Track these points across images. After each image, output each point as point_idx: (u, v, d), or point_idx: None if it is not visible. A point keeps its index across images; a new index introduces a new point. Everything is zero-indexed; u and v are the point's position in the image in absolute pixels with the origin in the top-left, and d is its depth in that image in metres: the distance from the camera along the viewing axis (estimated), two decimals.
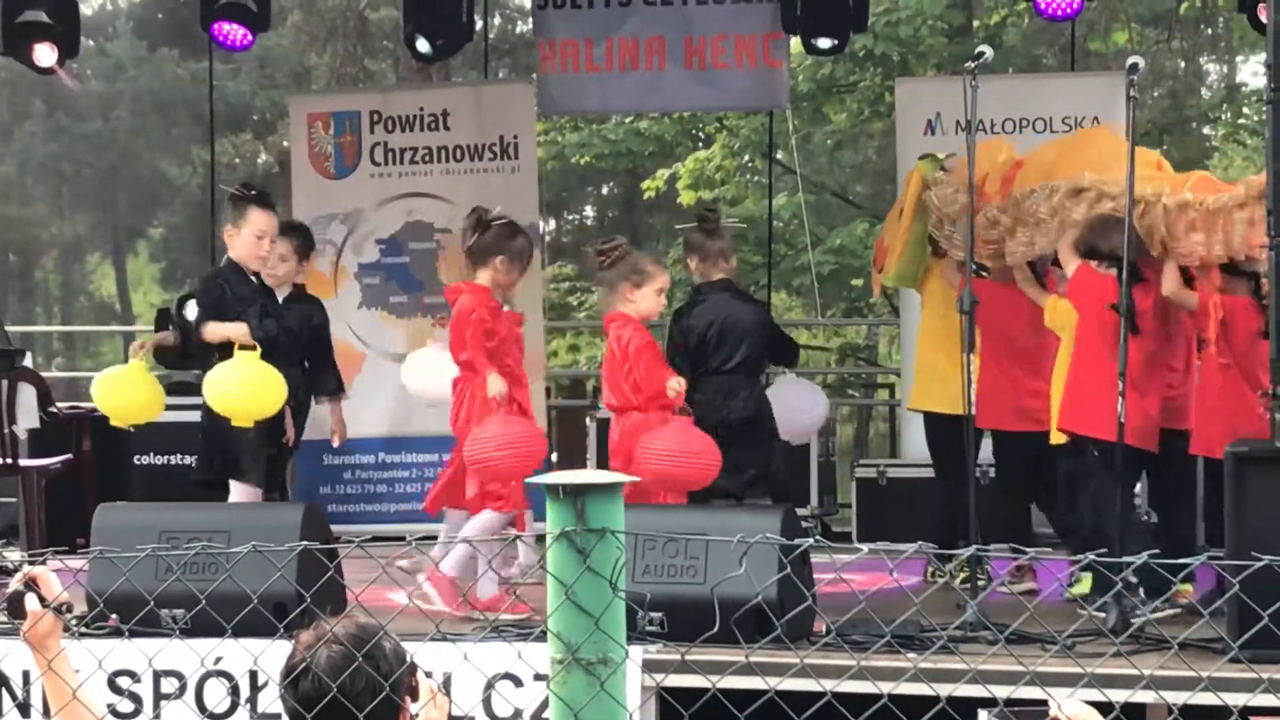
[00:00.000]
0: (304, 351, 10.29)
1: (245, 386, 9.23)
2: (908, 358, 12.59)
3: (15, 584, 4.29)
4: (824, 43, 14.16)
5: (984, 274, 9.66)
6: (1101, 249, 8.94)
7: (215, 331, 9.44)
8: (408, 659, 4.15)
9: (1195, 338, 9.13)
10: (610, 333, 9.53)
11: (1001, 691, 5.07)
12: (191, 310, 13.55)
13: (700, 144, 26.09)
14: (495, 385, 9.20)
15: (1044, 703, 3.81)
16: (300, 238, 10.72)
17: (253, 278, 9.63)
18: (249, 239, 9.54)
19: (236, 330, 9.37)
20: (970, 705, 6.24)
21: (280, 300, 10.16)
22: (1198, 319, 8.90)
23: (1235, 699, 5.96)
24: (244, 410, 9.25)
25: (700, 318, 9.88)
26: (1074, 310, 9.07)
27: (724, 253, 10.07)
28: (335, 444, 10.82)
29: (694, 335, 9.86)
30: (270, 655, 4.74)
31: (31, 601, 4.26)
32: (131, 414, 10.26)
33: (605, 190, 34.50)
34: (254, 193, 9.76)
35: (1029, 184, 9.46)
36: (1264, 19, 7.58)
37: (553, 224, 34.51)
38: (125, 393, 10.09)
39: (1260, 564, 3.59)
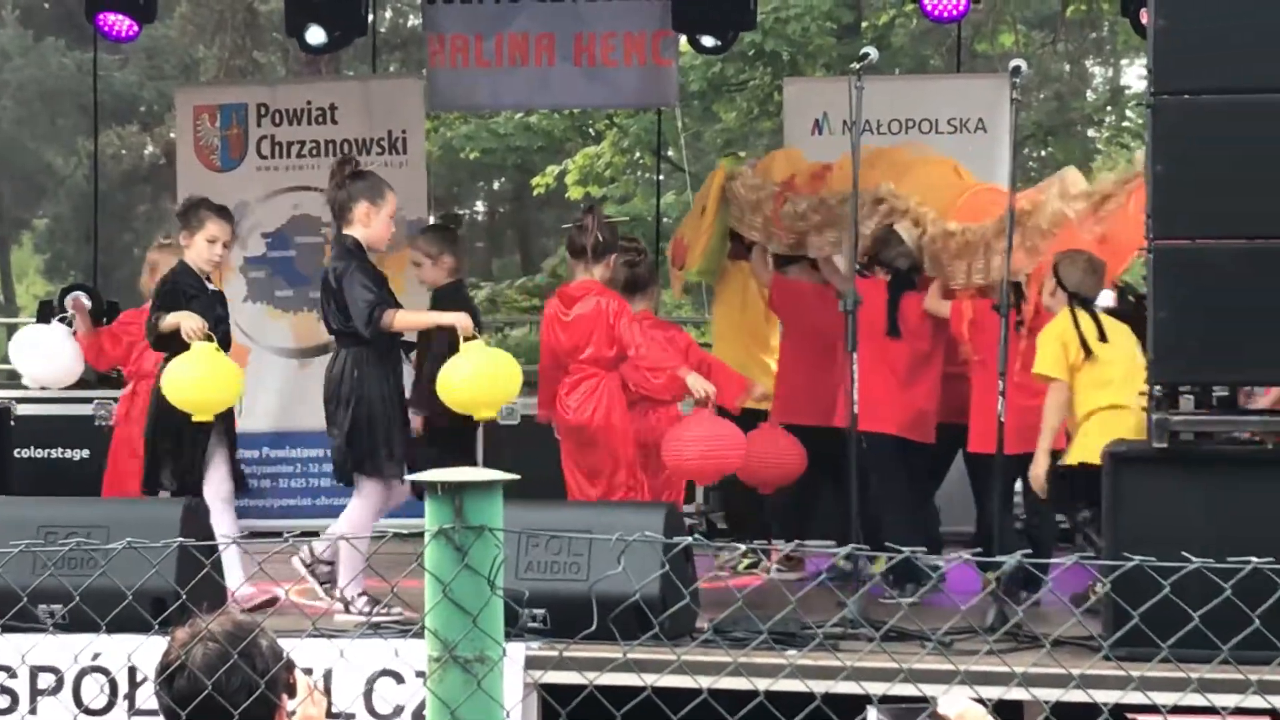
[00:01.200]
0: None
1: (484, 377, 8.61)
2: None
3: None
4: (708, 40, 14.23)
5: (867, 273, 9.77)
6: (882, 259, 9.76)
7: (416, 320, 9.11)
8: (285, 656, 4.13)
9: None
10: (668, 333, 10.14)
11: (877, 689, 5.10)
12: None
13: (591, 140, 26.11)
14: (701, 383, 9.39)
15: (931, 699, 3.85)
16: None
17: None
18: (385, 220, 9.02)
19: (460, 320, 8.76)
20: (854, 702, 6.29)
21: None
22: (953, 324, 9.54)
23: (1108, 696, 6.04)
24: (485, 402, 8.75)
25: None
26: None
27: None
28: None
29: None
30: (147, 652, 4.71)
31: None
32: (224, 401, 9.21)
33: (496, 185, 34.44)
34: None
35: (841, 187, 9.86)
36: (1146, 23, 7.66)
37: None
38: (216, 380, 9.06)
39: (1131, 564, 3.64)
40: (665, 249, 11.65)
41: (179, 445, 9.23)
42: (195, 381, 8.95)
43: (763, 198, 10.33)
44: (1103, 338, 8.75)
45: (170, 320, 9.14)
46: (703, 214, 10.90)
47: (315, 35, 13.81)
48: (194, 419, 9.02)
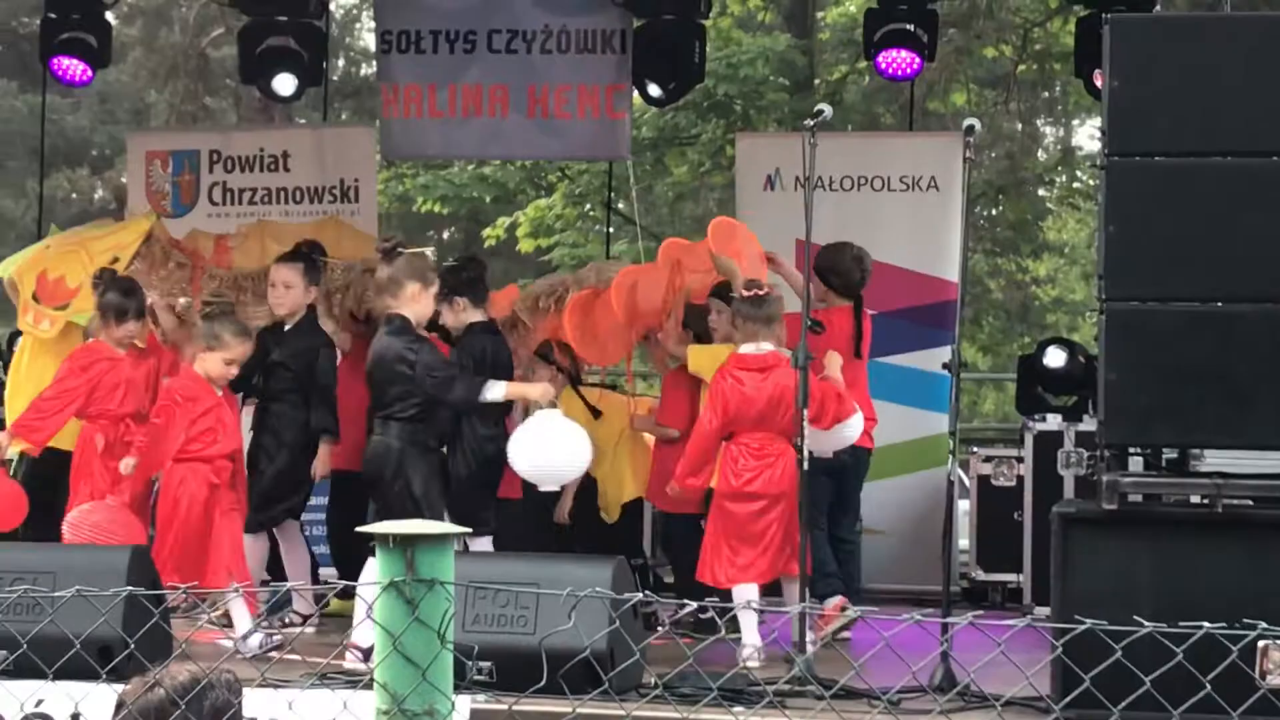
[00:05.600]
0: (304, 386, 10.18)
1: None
2: None
3: None
4: (654, 90, 14.18)
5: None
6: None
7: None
8: (237, 705, 4.12)
9: None
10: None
11: None
12: None
13: (543, 192, 26.08)
14: None
15: None
16: (310, 266, 10.40)
17: None
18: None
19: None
20: None
21: (287, 329, 10.24)
22: None
23: None
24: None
25: None
26: None
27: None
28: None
29: None
30: (93, 700, 4.67)
31: None
32: None
33: (446, 235, 34.40)
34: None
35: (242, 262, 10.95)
36: (1099, 84, 7.72)
37: None
38: None
39: (1083, 627, 3.64)
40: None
41: None
42: None
43: (179, 261, 10.91)
44: None
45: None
46: (113, 263, 10.80)
47: (285, 84, 13.73)
48: None
